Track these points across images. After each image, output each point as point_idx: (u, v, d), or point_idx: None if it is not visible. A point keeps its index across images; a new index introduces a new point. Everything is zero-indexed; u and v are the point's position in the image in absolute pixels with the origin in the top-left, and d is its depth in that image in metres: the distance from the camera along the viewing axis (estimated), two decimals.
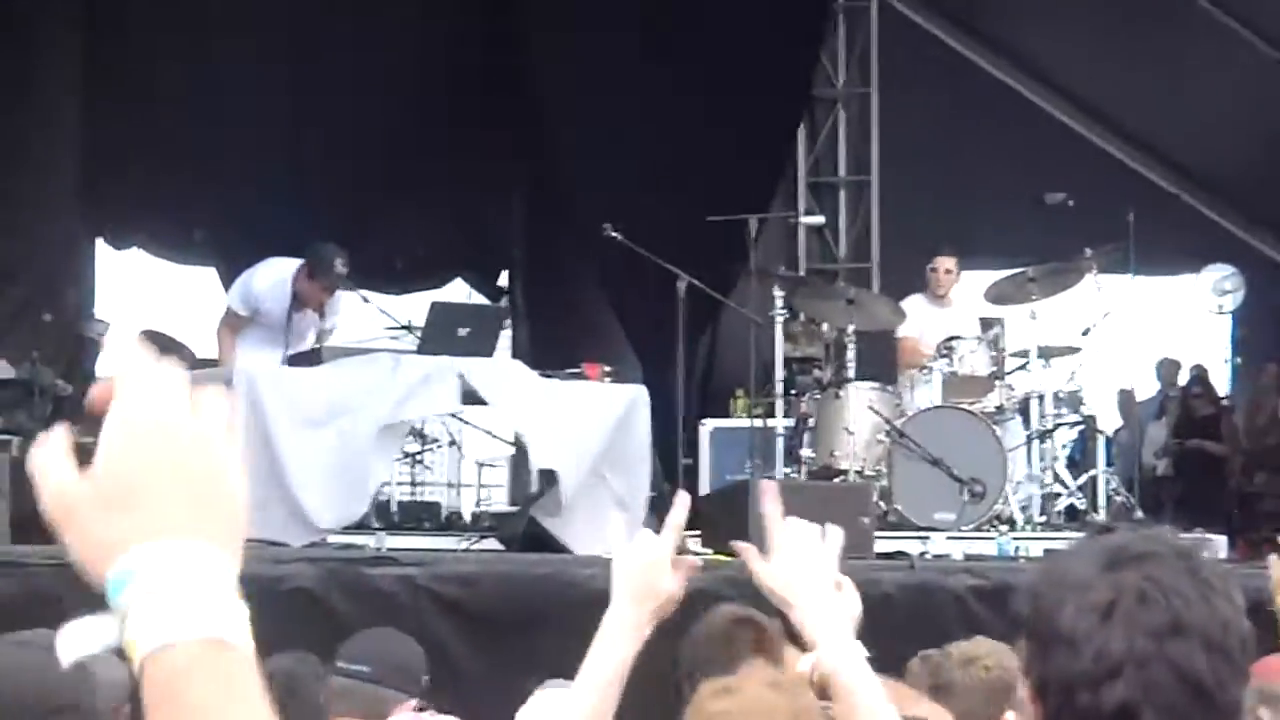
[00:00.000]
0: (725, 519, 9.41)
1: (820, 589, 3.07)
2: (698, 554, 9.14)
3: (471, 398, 9.76)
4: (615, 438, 9.89)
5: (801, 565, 3.06)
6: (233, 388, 9.13)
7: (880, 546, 9.92)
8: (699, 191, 13.43)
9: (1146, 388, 16.28)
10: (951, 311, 12.38)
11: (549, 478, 9.59)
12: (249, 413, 9.05)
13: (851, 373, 11.50)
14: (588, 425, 9.85)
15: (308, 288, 10.63)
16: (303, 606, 8.15)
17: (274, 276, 10.72)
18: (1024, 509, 11.48)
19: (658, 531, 3.26)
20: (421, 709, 4.85)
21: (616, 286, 14.22)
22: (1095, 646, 1.98)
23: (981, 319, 12.42)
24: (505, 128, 15.64)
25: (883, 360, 12.35)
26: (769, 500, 3.12)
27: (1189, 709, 1.97)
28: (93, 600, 1.49)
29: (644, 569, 3.21)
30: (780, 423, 11.71)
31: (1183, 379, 16.57)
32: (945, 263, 12.53)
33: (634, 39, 14.47)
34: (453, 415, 10.44)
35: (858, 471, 11.09)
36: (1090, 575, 2.01)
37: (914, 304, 12.37)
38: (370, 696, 4.69)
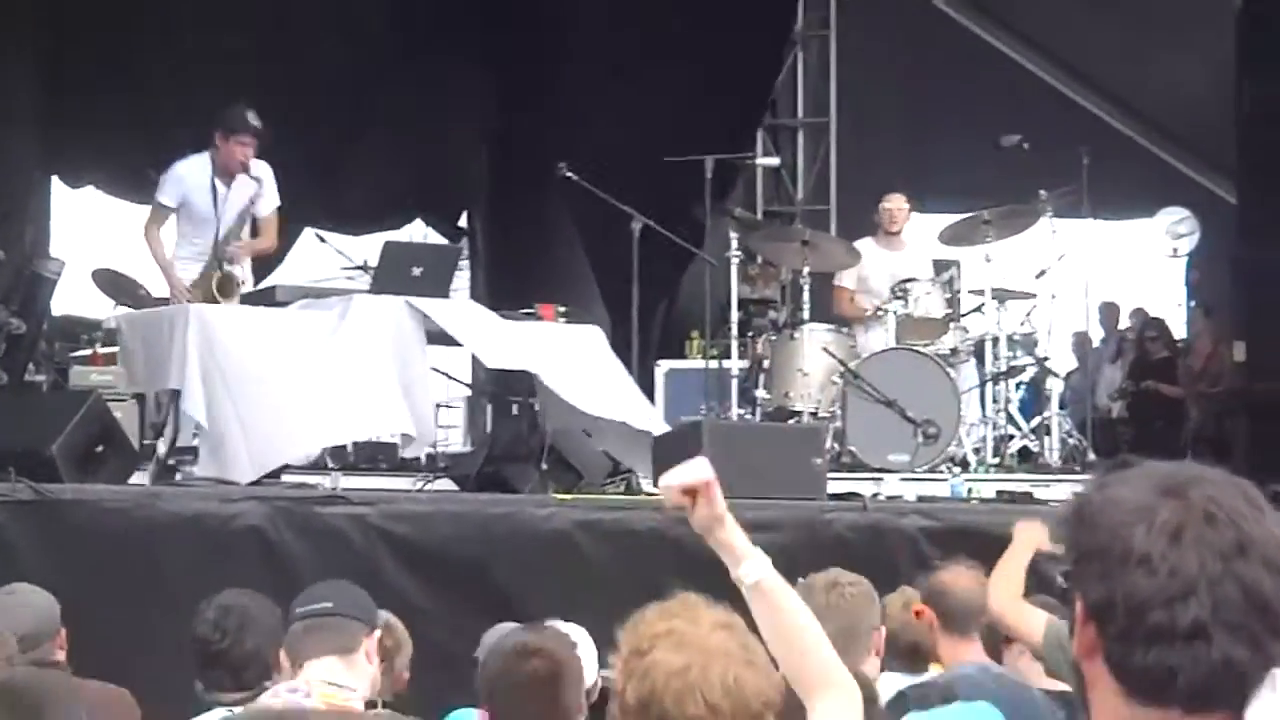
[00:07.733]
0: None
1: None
2: (651, 494, 9.20)
3: (439, 338, 9.74)
4: (581, 373, 9.94)
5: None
6: (185, 322, 9.14)
7: (833, 487, 9.93)
8: (670, 132, 13.33)
9: (1101, 330, 16.36)
10: (904, 254, 12.28)
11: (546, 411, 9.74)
12: (204, 351, 9.03)
13: (807, 314, 11.53)
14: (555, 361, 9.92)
15: (225, 150, 10.49)
16: (253, 544, 8.13)
17: (194, 160, 10.61)
18: (977, 451, 11.53)
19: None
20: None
21: (586, 228, 14.18)
22: (1169, 566, 2.04)
23: (935, 261, 12.43)
24: (473, 69, 15.60)
25: None
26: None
27: (1254, 626, 2.04)
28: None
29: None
30: (735, 364, 11.71)
31: (1123, 323, 16.70)
32: (895, 200, 12.37)
33: None
34: None
35: (812, 413, 11.13)
36: (1151, 500, 2.08)
37: (863, 247, 12.23)
38: (337, 627, 4.78)
